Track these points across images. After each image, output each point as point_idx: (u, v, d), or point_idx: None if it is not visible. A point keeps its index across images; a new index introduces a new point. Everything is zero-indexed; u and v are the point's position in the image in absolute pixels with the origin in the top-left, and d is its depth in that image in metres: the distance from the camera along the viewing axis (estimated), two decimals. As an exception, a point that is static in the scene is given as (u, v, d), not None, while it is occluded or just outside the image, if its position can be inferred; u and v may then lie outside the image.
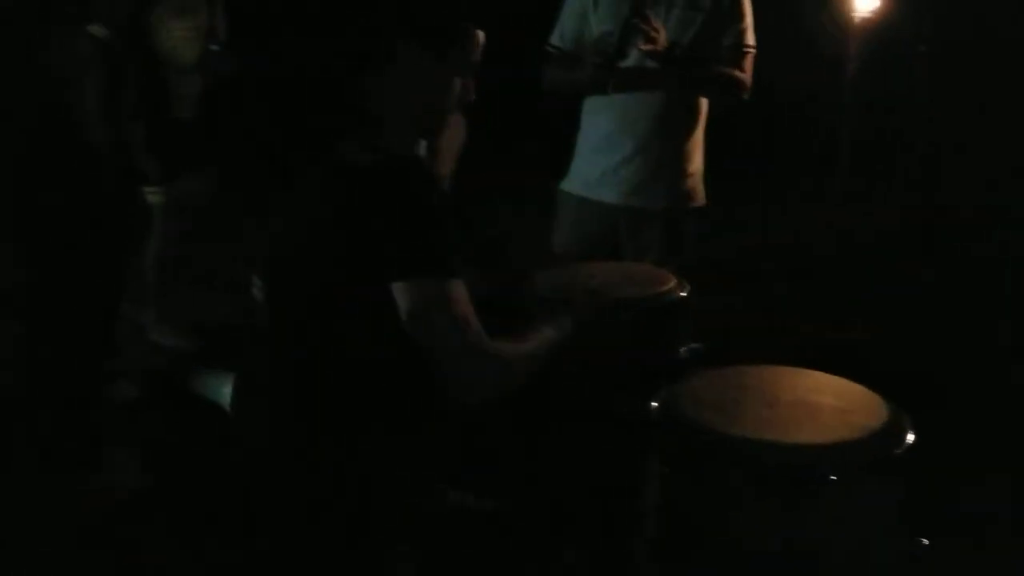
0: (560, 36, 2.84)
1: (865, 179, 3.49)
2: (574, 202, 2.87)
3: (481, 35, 1.61)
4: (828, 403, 1.65)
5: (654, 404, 1.67)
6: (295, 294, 1.61)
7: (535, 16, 3.05)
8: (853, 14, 3.20)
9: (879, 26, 3.09)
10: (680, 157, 2.79)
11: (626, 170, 2.77)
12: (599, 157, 2.80)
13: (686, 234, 2.85)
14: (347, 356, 1.55)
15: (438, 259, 1.46)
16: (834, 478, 1.50)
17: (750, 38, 2.75)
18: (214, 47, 3.57)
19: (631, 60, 2.61)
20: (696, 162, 2.84)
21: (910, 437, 1.57)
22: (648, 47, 2.55)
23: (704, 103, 2.82)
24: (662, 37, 2.56)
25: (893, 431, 1.57)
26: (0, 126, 1.96)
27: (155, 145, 3.49)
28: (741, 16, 2.74)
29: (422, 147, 1.66)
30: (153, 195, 3.64)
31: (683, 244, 2.84)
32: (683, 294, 2.23)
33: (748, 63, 2.75)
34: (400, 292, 1.45)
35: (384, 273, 1.46)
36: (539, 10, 2.99)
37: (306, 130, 1.68)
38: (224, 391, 2.73)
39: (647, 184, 2.78)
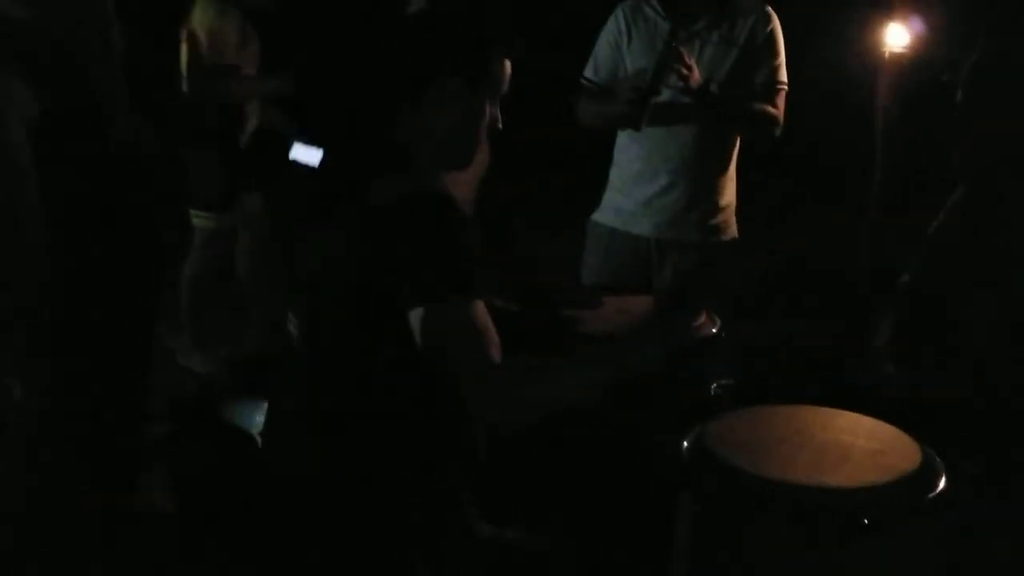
0: (594, 69, 2.86)
1: (899, 213, 3.48)
2: (606, 233, 2.89)
3: (509, 64, 1.64)
4: (861, 445, 1.64)
5: (686, 444, 1.67)
6: (327, 328, 1.64)
7: (569, 48, 3.08)
8: (884, 49, 3.21)
9: (912, 61, 3.11)
10: (713, 191, 2.80)
11: (659, 203, 2.78)
12: (633, 190, 2.81)
13: (718, 266, 2.86)
14: (378, 386, 1.58)
15: (454, 281, 1.48)
16: (866, 522, 1.49)
17: (783, 75, 2.77)
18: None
19: (665, 95, 2.62)
20: (729, 195, 2.85)
21: (943, 481, 1.56)
22: (682, 84, 2.57)
23: (735, 139, 2.83)
24: (696, 74, 2.57)
25: (926, 475, 1.56)
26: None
27: (221, 170, 3.55)
28: (775, 53, 2.75)
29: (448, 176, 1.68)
30: (201, 219, 3.69)
31: (715, 276, 2.85)
32: (714, 329, 2.24)
33: (780, 100, 2.76)
34: (418, 316, 1.47)
35: (403, 300, 1.48)
36: (573, 42, 3.02)
37: (342, 168, 1.72)
38: (255, 419, 2.77)
39: (680, 217, 2.79)
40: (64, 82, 1.99)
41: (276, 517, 1.71)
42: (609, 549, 1.86)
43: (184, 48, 3.50)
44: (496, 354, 1.49)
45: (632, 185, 2.82)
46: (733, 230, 2.87)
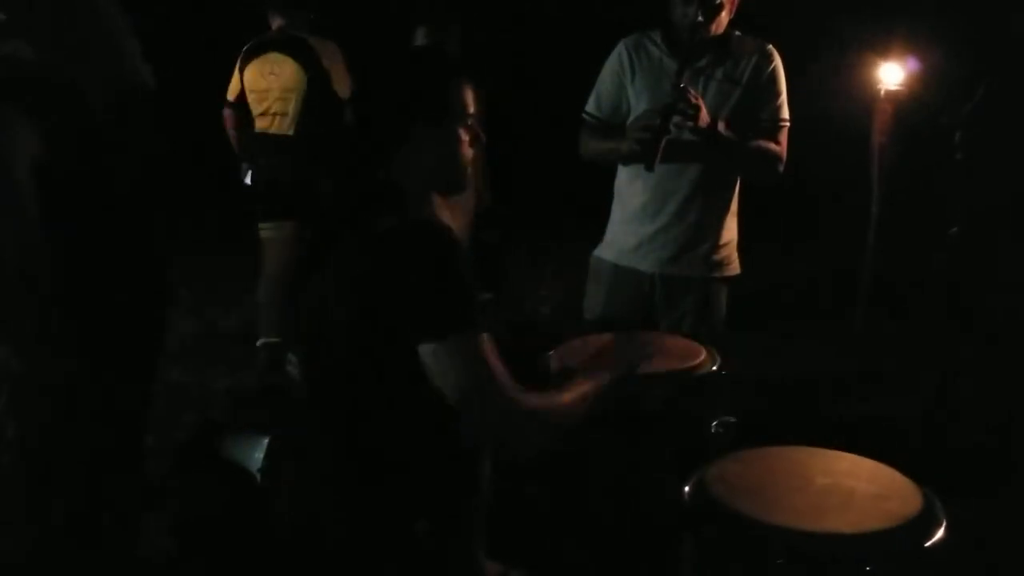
0: (597, 105, 2.86)
1: (900, 253, 3.51)
2: (608, 269, 2.89)
3: (471, 90, 1.70)
4: (862, 489, 1.64)
5: (687, 488, 1.67)
6: (331, 366, 1.65)
7: (571, 82, 3.10)
8: (879, 86, 3.24)
9: (908, 99, 3.13)
10: (716, 227, 2.81)
11: (663, 239, 2.79)
12: (636, 226, 2.82)
13: (720, 302, 2.86)
14: (384, 423, 1.59)
15: (456, 315, 1.51)
16: (869, 568, 1.49)
17: (785, 112, 2.77)
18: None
19: (672, 133, 2.60)
20: (731, 231, 2.86)
21: (944, 527, 1.56)
22: (690, 124, 2.56)
23: (739, 173, 2.84)
24: (704, 113, 2.57)
25: (928, 520, 1.56)
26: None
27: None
28: (778, 91, 2.76)
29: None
30: None
31: (717, 312, 2.85)
32: (714, 367, 2.24)
33: (784, 137, 2.77)
34: (426, 352, 1.51)
35: (408, 336, 1.52)
36: (575, 77, 3.04)
37: (334, 208, 1.75)
38: (255, 455, 2.76)
39: (683, 253, 2.79)
40: (70, 124, 2.01)
41: (280, 560, 1.72)
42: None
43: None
44: (508, 384, 1.53)
45: (636, 221, 2.82)
46: (735, 266, 2.87)
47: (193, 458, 2.96)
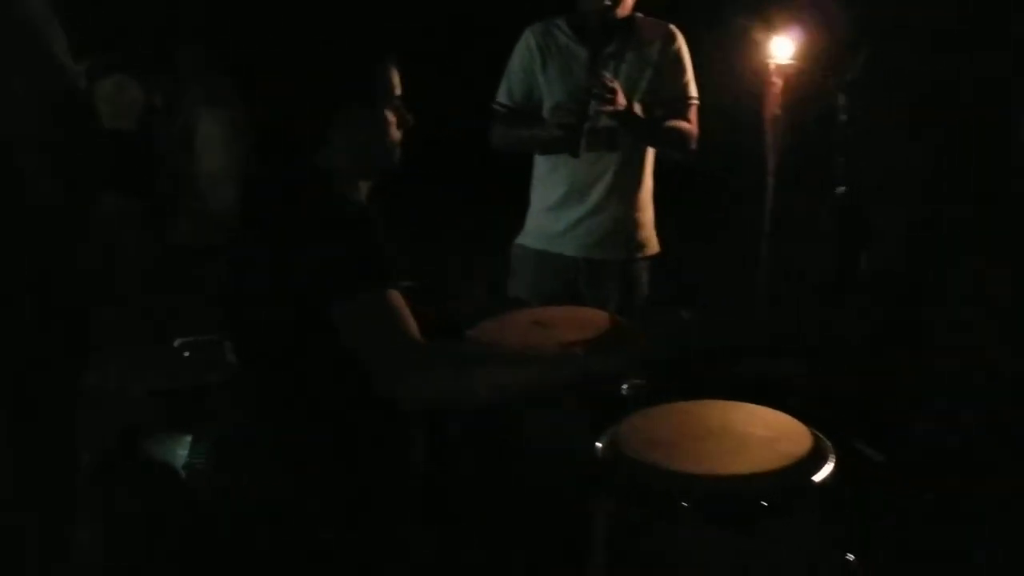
0: (508, 95, 2.88)
1: (796, 216, 3.66)
2: (533, 256, 2.94)
3: (395, 70, 1.72)
4: (757, 433, 1.75)
5: (599, 444, 1.77)
6: (258, 347, 1.69)
7: (482, 72, 3.13)
8: (770, 60, 3.37)
9: (799, 71, 3.26)
10: (635, 210, 2.88)
11: (588, 224, 2.85)
12: (559, 214, 2.87)
13: (643, 281, 2.95)
14: (311, 400, 1.64)
15: (367, 275, 1.54)
16: (765, 504, 1.60)
17: (694, 90, 2.86)
18: None
19: (591, 119, 2.66)
20: (648, 213, 2.94)
21: (832, 463, 1.68)
22: (609, 108, 2.62)
23: (651, 156, 2.91)
24: (620, 97, 2.63)
25: (816, 458, 1.69)
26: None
27: None
28: (684, 69, 2.84)
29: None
30: None
31: (640, 291, 2.94)
32: (623, 335, 2.34)
33: (694, 114, 2.86)
34: (336, 312, 1.53)
35: (319, 301, 1.54)
36: (487, 67, 3.07)
37: (256, 198, 1.78)
38: (178, 452, 2.76)
39: (607, 237, 2.86)
40: None
41: (211, 550, 1.74)
42: (529, 549, 1.94)
43: None
44: (415, 336, 1.54)
45: (560, 209, 2.86)
46: (654, 245, 2.97)
47: (115, 463, 2.94)
